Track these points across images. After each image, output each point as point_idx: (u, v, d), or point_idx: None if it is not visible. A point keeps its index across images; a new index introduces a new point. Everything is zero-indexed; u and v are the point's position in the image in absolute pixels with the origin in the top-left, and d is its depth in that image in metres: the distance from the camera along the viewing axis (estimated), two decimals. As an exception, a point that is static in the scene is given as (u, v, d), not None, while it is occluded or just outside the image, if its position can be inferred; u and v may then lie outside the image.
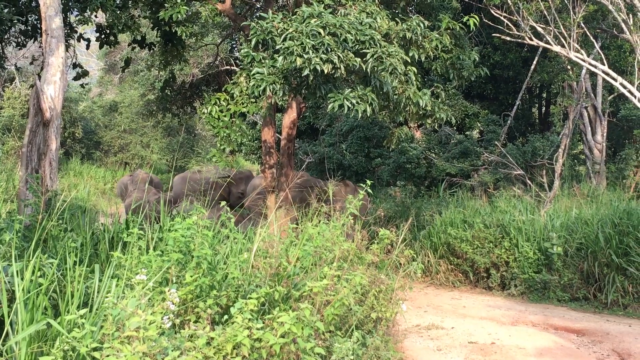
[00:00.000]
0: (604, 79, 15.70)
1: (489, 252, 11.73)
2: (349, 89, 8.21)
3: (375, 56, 8.03)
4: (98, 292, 5.14)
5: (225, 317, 5.04)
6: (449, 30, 10.17)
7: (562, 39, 13.27)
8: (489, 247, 11.76)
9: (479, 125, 22.08)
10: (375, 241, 8.33)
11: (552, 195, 15.21)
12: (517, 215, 12.50)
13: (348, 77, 8.69)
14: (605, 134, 19.54)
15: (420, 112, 9.86)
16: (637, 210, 11.20)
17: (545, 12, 13.76)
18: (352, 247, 7.55)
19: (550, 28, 13.54)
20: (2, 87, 29.87)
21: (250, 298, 4.90)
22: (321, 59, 7.71)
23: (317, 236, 7.42)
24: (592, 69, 13.41)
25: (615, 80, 12.69)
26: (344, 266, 6.94)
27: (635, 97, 12.25)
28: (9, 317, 4.56)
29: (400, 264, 9.02)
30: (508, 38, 14.27)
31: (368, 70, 8.09)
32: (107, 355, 4.03)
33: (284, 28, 8.08)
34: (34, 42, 13.86)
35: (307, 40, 7.72)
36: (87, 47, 14.21)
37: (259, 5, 15.24)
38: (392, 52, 8.14)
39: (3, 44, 13.37)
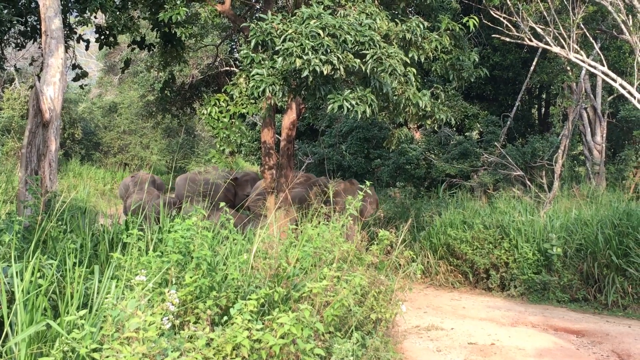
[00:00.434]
0: (603, 80, 15.71)
1: (488, 253, 11.73)
2: (349, 90, 8.21)
3: (374, 57, 8.03)
4: (97, 293, 5.14)
5: (225, 318, 5.04)
6: (448, 31, 10.17)
7: (562, 40, 13.27)
8: (489, 248, 11.76)
9: (478, 126, 22.07)
10: (374, 242, 8.34)
11: (552, 196, 15.22)
12: (516, 216, 12.51)
13: (347, 78, 8.69)
14: (604, 135, 19.56)
15: (420, 113, 9.86)
16: (636, 211, 11.20)
17: (544, 13, 13.77)
18: (352, 248, 7.55)
19: (550, 29, 13.54)
20: (1, 88, 29.89)
21: (249, 299, 4.91)
22: (320, 60, 7.71)
23: (316, 237, 7.42)
24: (592, 69, 13.41)
25: (615, 81, 12.69)
26: (344, 267, 6.94)
27: (634, 98, 12.25)
28: (8, 318, 4.56)
29: (399, 265, 9.03)
30: (507, 39, 14.27)
31: (367, 71, 8.10)
32: (107, 356, 4.03)
33: (284, 29, 8.08)
34: (33, 43, 13.87)
35: (307, 42, 7.72)
36: (87, 48, 14.21)
37: (258, 7, 15.25)
38: (391, 53, 8.14)
39: (2, 45, 13.37)
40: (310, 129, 25.11)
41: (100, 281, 5.29)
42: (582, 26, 14.49)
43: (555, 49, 13.35)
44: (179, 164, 34.48)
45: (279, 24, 8.22)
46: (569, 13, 13.67)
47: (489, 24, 14.74)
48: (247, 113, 9.99)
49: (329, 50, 7.76)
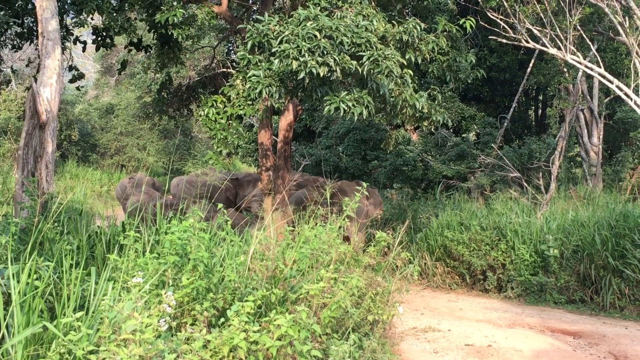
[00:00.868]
0: (600, 82, 15.73)
1: (485, 254, 11.73)
2: (345, 92, 8.22)
3: (371, 59, 8.04)
4: (94, 295, 5.13)
5: (222, 319, 5.03)
6: (445, 33, 10.18)
7: (559, 42, 13.29)
8: (486, 249, 11.76)
9: (475, 127, 22.09)
10: (372, 243, 8.34)
11: (549, 197, 15.23)
12: (513, 217, 12.51)
13: (344, 80, 8.69)
14: (601, 137, 19.59)
15: (417, 115, 9.86)
16: (633, 213, 11.21)
17: (541, 15, 13.80)
18: (349, 249, 7.55)
19: (547, 31, 13.57)
20: (-2, 89, 29.85)
21: (246, 301, 4.91)
22: (317, 61, 7.72)
23: (313, 239, 7.41)
24: (589, 71, 13.44)
25: (612, 82, 12.72)
26: (341, 269, 6.94)
27: (631, 99, 12.28)
28: (5, 320, 4.56)
29: (396, 266, 9.03)
30: (504, 40, 14.29)
31: (364, 73, 8.10)
32: (104, 358, 4.04)
33: (280, 31, 8.09)
34: (30, 45, 13.86)
35: (303, 43, 7.73)
36: (84, 49, 14.20)
37: (255, 8, 15.25)
38: (388, 54, 8.15)
39: (-1, 46, 13.38)
40: (307, 130, 25.11)
41: (97, 283, 5.28)
42: (579, 28, 14.51)
43: (552, 51, 13.37)
44: (175, 165, 34.47)
45: (275, 25, 8.22)
46: (565, 15, 13.69)
47: (486, 25, 14.77)
48: (244, 114, 9.99)
49: (325, 52, 7.77)
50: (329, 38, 7.92)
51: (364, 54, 8.07)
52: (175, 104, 22.05)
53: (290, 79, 8.42)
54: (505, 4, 13.52)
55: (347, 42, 7.99)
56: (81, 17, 11.69)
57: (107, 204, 22.76)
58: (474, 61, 10.85)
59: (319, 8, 8.57)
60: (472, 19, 10.15)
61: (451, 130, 22.08)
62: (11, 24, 11.76)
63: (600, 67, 13.17)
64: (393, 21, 9.54)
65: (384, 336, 7.15)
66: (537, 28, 13.95)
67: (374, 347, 6.43)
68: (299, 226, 8.41)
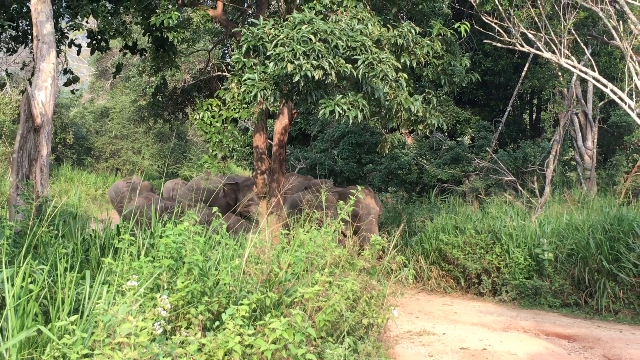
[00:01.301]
0: (594, 86, 15.76)
1: (480, 258, 11.74)
2: (340, 95, 8.22)
3: (366, 62, 8.05)
4: (89, 299, 5.13)
5: (217, 323, 5.03)
6: (440, 37, 10.20)
7: (553, 46, 13.31)
8: (480, 253, 11.77)
9: (470, 131, 22.13)
10: (366, 247, 8.34)
11: (543, 201, 15.25)
12: (508, 221, 12.52)
13: (339, 83, 8.70)
14: (595, 140, 19.61)
15: (412, 118, 9.87)
16: (627, 216, 11.24)
17: (536, 19, 13.82)
18: (344, 253, 7.56)
19: (541, 35, 13.58)
20: (-7, 92, 29.81)
21: (241, 304, 4.90)
22: (312, 65, 7.72)
23: (308, 242, 7.42)
24: (583, 75, 13.45)
25: (606, 86, 12.74)
26: (336, 272, 6.94)
27: (625, 103, 12.29)
28: (-1, 323, 4.55)
29: (391, 270, 9.04)
30: (499, 44, 14.31)
31: (359, 76, 8.11)
32: (98, 362, 4.03)
33: (275, 34, 8.10)
34: (25, 48, 13.84)
35: (298, 47, 7.73)
36: (78, 53, 14.18)
37: (250, 12, 15.25)
38: (383, 58, 8.16)
39: (-6, 49, 13.36)
40: (302, 134, 25.12)
41: (91, 286, 5.28)
42: (573, 32, 14.54)
43: (547, 55, 13.39)
44: (170, 169, 34.43)
45: (270, 29, 8.23)
46: (560, 19, 13.71)
47: (481, 29, 14.79)
48: (240, 118, 9.98)
49: (320, 56, 7.77)
50: (324, 41, 7.93)
51: (359, 57, 8.08)
52: (170, 108, 22.04)
53: (285, 82, 8.43)
54: (500, 8, 13.54)
55: (342, 46, 8.00)
56: (76, 20, 11.67)
57: (102, 207, 22.72)
58: (468, 65, 10.88)
59: (314, 11, 8.57)
60: (466, 23, 10.18)
61: (446, 133, 22.11)
62: (6, 27, 11.75)
63: (594, 71, 13.19)
64: (388, 25, 9.55)
65: (378, 340, 7.15)
66: (532, 32, 13.97)
67: (369, 350, 6.43)
68: (294, 230, 8.41)
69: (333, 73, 7.90)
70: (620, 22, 13.41)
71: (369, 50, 8.17)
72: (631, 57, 12.54)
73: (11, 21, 12.16)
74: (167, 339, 4.66)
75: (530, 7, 14.12)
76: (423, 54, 9.72)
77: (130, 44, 13.20)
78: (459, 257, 11.90)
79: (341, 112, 8.04)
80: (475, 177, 18.71)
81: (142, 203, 13.82)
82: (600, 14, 13.03)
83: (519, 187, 17.35)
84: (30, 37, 12.60)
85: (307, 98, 8.44)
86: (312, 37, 7.85)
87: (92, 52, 13.71)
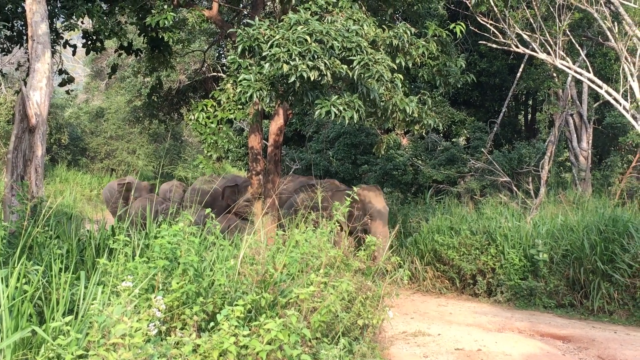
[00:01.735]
0: (589, 87, 15.79)
1: (475, 258, 11.75)
2: (336, 96, 8.22)
3: (361, 63, 8.05)
4: (84, 299, 5.12)
5: (212, 324, 5.02)
6: (435, 38, 10.21)
7: (548, 47, 13.34)
8: (476, 253, 11.78)
9: (465, 132, 22.15)
10: (362, 248, 8.34)
11: (538, 202, 15.27)
12: (503, 222, 12.54)
13: (335, 84, 8.70)
14: (590, 141, 19.64)
15: (407, 119, 9.87)
16: (622, 217, 11.26)
17: (531, 20, 13.84)
18: (339, 253, 7.55)
19: (536, 36, 13.61)
20: (-13, 93, 29.74)
21: (236, 305, 4.89)
22: (307, 65, 7.72)
23: (303, 243, 7.41)
24: (578, 76, 13.48)
25: (601, 87, 12.76)
26: (331, 273, 6.94)
27: (620, 104, 12.32)
28: (-7, 324, 4.54)
29: (387, 270, 9.03)
30: (494, 45, 14.33)
31: (355, 77, 8.11)
32: (93, 363, 4.02)
33: (271, 35, 8.09)
34: (19, 48, 13.81)
35: (294, 47, 7.73)
36: (74, 53, 14.16)
37: (246, 12, 15.25)
38: (378, 59, 8.16)
39: (-12, 50, 13.33)
40: (298, 134, 25.12)
41: (86, 287, 5.26)
42: (568, 33, 14.56)
43: (542, 56, 13.41)
44: (165, 169, 34.39)
45: (266, 29, 8.22)
46: (555, 20, 13.74)
47: (476, 30, 14.80)
48: (235, 118, 9.97)
49: (316, 56, 7.77)
50: (320, 42, 7.92)
51: (354, 58, 8.08)
52: (165, 108, 21.96)
53: (281, 82, 8.42)
54: (495, 9, 13.55)
55: (338, 47, 8.00)
56: (71, 20, 11.64)
57: (97, 207, 22.70)
58: (463, 66, 10.89)
59: (309, 12, 8.57)
60: (462, 23, 10.19)
61: (441, 134, 22.12)
62: (1, 27, 11.72)
63: (589, 72, 13.22)
64: (383, 26, 9.56)
65: (374, 340, 7.15)
66: (527, 33, 13.99)
67: (364, 351, 6.43)
68: (289, 230, 8.40)
69: (329, 74, 7.90)
70: (615, 24, 13.43)
71: (365, 51, 8.18)
72: (626, 59, 12.57)
73: (6, 21, 12.13)
74: (161, 340, 4.65)
75: (525, 8, 14.13)
76: (418, 54, 9.73)
77: (125, 44, 13.18)
78: (454, 258, 11.91)
79: (337, 112, 8.04)
80: (471, 178, 18.73)
81: (144, 204, 13.81)
82: (595, 15, 13.06)
83: (514, 188, 17.37)
84: (25, 37, 12.58)
85: (302, 99, 8.44)
86: (307, 37, 7.85)
87: (87, 53, 13.69)
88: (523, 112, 27.89)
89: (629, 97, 12.39)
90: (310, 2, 8.92)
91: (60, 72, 14.05)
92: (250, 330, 4.81)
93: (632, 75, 12.45)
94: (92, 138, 35.82)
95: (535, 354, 7.92)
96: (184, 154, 36.64)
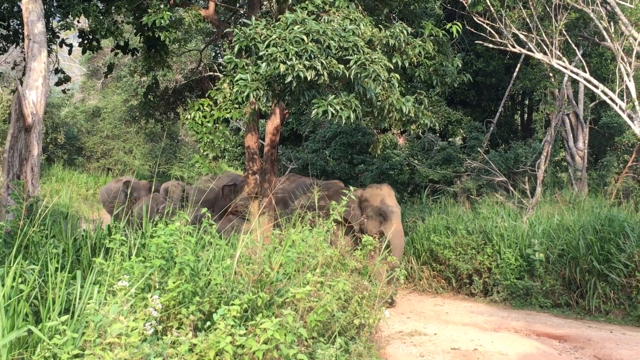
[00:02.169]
0: (585, 87, 15.80)
1: (471, 258, 11.76)
2: (333, 96, 8.21)
3: (358, 63, 8.04)
4: (80, 299, 5.11)
5: (208, 323, 5.02)
6: (432, 37, 10.21)
7: (545, 47, 13.36)
8: (472, 253, 11.80)
9: (461, 131, 22.14)
10: (358, 247, 8.34)
11: (534, 201, 15.29)
12: (499, 221, 12.55)
13: (331, 84, 8.69)
14: (586, 141, 19.66)
15: (404, 119, 9.87)
16: (618, 217, 11.28)
17: (527, 20, 13.86)
18: (335, 253, 7.55)
19: (533, 35, 13.63)
20: (-17, 92, 29.70)
21: (233, 304, 4.89)
22: (304, 65, 7.72)
23: (300, 242, 7.41)
24: (574, 76, 13.52)
25: (597, 87, 12.79)
26: (327, 272, 6.94)
27: (616, 104, 12.35)
28: (-11, 323, 4.53)
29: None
30: (491, 45, 14.36)
31: (351, 76, 8.10)
32: (89, 362, 4.02)
33: (267, 34, 8.08)
34: (15, 47, 13.78)
35: (290, 47, 7.72)
36: (70, 52, 14.12)
37: (242, 12, 15.23)
38: (375, 58, 8.16)
39: (-16, 49, 13.30)
40: (294, 134, 25.10)
41: (82, 286, 5.26)
42: (565, 33, 14.59)
43: (538, 56, 13.43)
44: (161, 169, 34.36)
45: (262, 29, 8.21)
46: (551, 20, 13.76)
47: (473, 30, 14.83)
48: (231, 118, 9.96)
49: (312, 56, 7.76)
50: (316, 42, 7.92)
51: (351, 57, 8.08)
52: (161, 108, 21.98)
53: (278, 82, 8.41)
54: (492, 8, 13.58)
55: (335, 46, 7.99)
56: (67, 19, 11.63)
57: (93, 207, 22.68)
58: (460, 65, 10.89)
59: (306, 12, 8.56)
60: (458, 23, 10.19)
61: (438, 134, 22.12)
62: (-3, 26, 11.71)
63: (585, 72, 13.24)
64: (380, 25, 9.55)
65: (370, 340, 7.15)
66: (523, 33, 14.02)
67: (360, 350, 6.43)
68: (285, 230, 8.40)
69: (325, 73, 7.89)
70: (612, 24, 13.47)
71: (361, 51, 8.17)
72: (622, 59, 12.60)
73: (2, 20, 12.11)
74: (158, 339, 4.65)
75: (521, 8, 14.17)
76: (415, 54, 9.72)
77: (121, 43, 13.15)
78: (450, 258, 11.92)
79: (334, 112, 8.03)
80: (467, 178, 18.73)
81: (148, 204, 13.80)
82: (592, 15, 13.09)
83: (511, 188, 17.38)
84: (21, 36, 12.55)
85: (299, 98, 8.44)
86: (304, 37, 7.84)
87: (83, 52, 13.65)
88: (519, 112, 27.89)
89: (625, 97, 12.42)
90: (306, 2, 8.91)
91: (57, 71, 14.01)
92: (246, 329, 4.81)
93: (628, 75, 12.47)
94: (88, 137, 35.79)
95: (531, 354, 7.92)
96: (180, 153, 36.65)
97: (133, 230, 7.57)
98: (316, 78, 7.90)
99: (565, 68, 13.34)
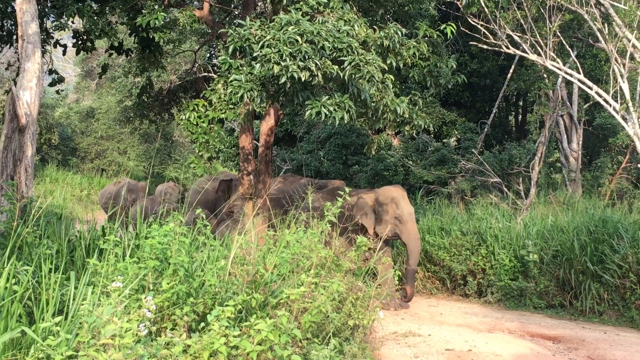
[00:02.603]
0: (579, 88, 15.85)
1: (465, 259, 11.77)
2: (327, 97, 8.20)
3: (352, 64, 8.04)
4: (73, 300, 5.11)
5: (202, 324, 5.02)
6: (426, 38, 10.22)
7: (539, 48, 13.38)
8: (466, 254, 11.80)
9: (456, 132, 22.16)
10: (352, 248, 8.34)
11: (529, 202, 15.30)
12: (493, 222, 12.56)
13: (326, 85, 8.69)
14: (580, 142, 19.70)
15: (398, 120, 9.87)
16: (612, 218, 11.30)
17: (521, 21, 13.89)
18: (330, 254, 7.55)
19: (527, 37, 13.65)
20: (-23, 92, 29.61)
21: (227, 305, 4.89)
22: (298, 66, 7.71)
23: (294, 243, 7.41)
24: (568, 77, 13.53)
25: (591, 88, 12.81)
26: (322, 273, 6.94)
27: (610, 105, 12.37)
28: (-18, 325, 4.52)
29: (377, 271, 9.01)
30: (485, 46, 14.38)
31: (345, 77, 8.10)
32: (83, 363, 4.01)
33: (262, 35, 8.07)
34: (9, 48, 13.76)
35: (285, 48, 7.72)
36: (64, 53, 14.11)
37: (237, 13, 15.22)
38: (369, 59, 8.16)
39: (-22, 49, 13.28)
40: (288, 135, 25.09)
41: (76, 287, 5.25)
42: (559, 34, 14.61)
43: (532, 57, 13.45)
44: (156, 169, 34.33)
45: (257, 30, 8.21)
46: (545, 21, 13.79)
47: (467, 31, 14.84)
48: (226, 118, 9.96)
49: (307, 57, 7.76)
50: (311, 43, 7.91)
51: (345, 58, 8.07)
52: (156, 108, 21.92)
53: (272, 83, 8.41)
54: (486, 10, 13.59)
55: (329, 47, 7.99)
56: (61, 20, 11.61)
57: (87, 208, 22.64)
58: (454, 67, 10.90)
59: (300, 13, 8.56)
60: (452, 24, 10.20)
61: (432, 135, 22.13)
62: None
63: (579, 73, 13.26)
64: (374, 26, 9.56)
65: (364, 341, 7.15)
66: (518, 34, 14.04)
67: (355, 351, 6.43)
68: (280, 230, 8.40)
69: (319, 74, 7.89)
70: (606, 25, 13.49)
71: (356, 52, 8.17)
72: (616, 60, 12.62)
73: (-4, 21, 12.11)
74: (152, 340, 4.65)
75: (516, 9, 14.19)
76: (409, 55, 9.73)
77: (116, 44, 13.14)
78: (444, 259, 11.93)
79: (327, 113, 8.02)
80: (461, 179, 18.75)
81: (146, 205, 13.77)
82: (586, 16, 13.12)
83: (505, 189, 17.40)
84: (15, 36, 12.54)
85: (293, 99, 8.43)
86: (298, 38, 7.84)
87: (77, 53, 13.65)
88: (514, 113, 27.95)
89: (619, 98, 12.44)
90: (301, 3, 8.91)
91: (51, 71, 14.00)
92: (240, 330, 4.81)
93: (622, 76, 12.50)
94: (82, 138, 35.74)
95: (525, 355, 7.93)
96: (175, 154, 36.61)
97: (127, 231, 7.55)
98: (310, 79, 7.90)
99: (560, 69, 13.37)
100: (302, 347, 5.53)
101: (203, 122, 9.94)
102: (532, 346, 8.34)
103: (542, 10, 14.04)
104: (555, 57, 13.70)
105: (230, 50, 8.31)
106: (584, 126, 20.66)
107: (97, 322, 4.26)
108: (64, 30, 11.78)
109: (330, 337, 6.14)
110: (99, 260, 6.06)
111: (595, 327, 9.73)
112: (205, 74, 21.18)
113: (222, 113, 9.82)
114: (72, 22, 12.34)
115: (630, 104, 12.07)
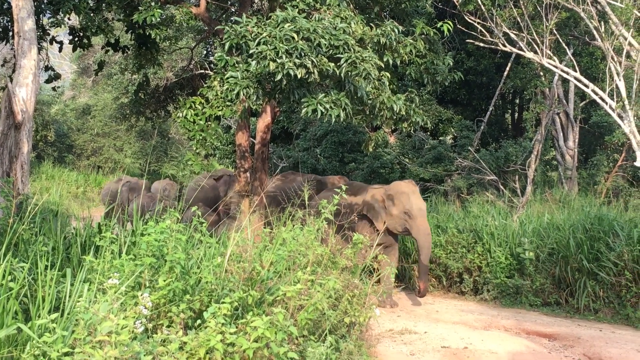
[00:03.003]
0: (576, 86, 15.86)
1: (462, 257, 11.77)
2: (323, 94, 8.20)
3: (349, 61, 8.05)
4: (70, 297, 5.10)
5: (199, 321, 5.01)
6: (423, 36, 10.22)
7: (535, 46, 13.38)
8: (462, 252, 11.80)
9: (452, 130, 22.17)
10: (349, 246, 8.34)
11: (525, 200, 15.32)
12: (490, 220, 12.56)
13: (322, 82, 8.69)
14: (577, 140, 19.73)
15: (395, 117, 9.88)
16: (607, 216, 11.30)
17: (518, 19, 13.89)
18: (326, 251, 7.55)
19: (524, 35, 13.65)
20: (-27, 89, 29.54)
21: (223, 302, 4.89)
22: (295, 63, 7.71)
23: (290, 241, 7.40)
24: (565, 75, 13.54)
25: (587, 86, 12.82)
26: (318, 271, 6.93)
27: (606, 103, 12.38)
28: (-22, 321, 4.52)
29: (374, 268, 9.00)
30: (482, 44, 14.38)
31: (342, 75, 8.10)
32: (79, 360, 4.00)
33: (258, 32, 8.07)
34: (5, 44, 13.74)
35: (281, 45, 7.72)
36: (60, 49, 14.09)
37: (233, 10, 15.22)
38: (366, 57, 8.16)
39: (-26, 46, 13.26)
40: (285, 132, 25.10)
41: (72, 284, 5.25)
42: (555, 32, 14.62)
43: (529, 55, 13.46)
44: (152, 167, 34.31)
45: (253, 27, 8.20)
46: (542, 19, 13.79)
47: (463, 29, 14.85)
48: (223, 116, 9.96)
49: (303, 54, 7.76)
50: (307, 40, 7.92)
51: (341, 56, 8.08)
52: (152, 105, 21.90)
53: (268, 80, 8.41)
54: (483, 7, 13.60)
55: (325, 44, 7.99)
56: (58, 17, 11.59)
57: (83, 205, 22.60)
58: (451, 64, 10.91)
59: (297, 10, 8.56)
60: (449, 22, 10.21)
61: (428, 133, 22.14)
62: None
63: (576, 71, 13.27)
64: (371, 24, 9.56)
65: (360, 338, 7.15)
66: (514, 32, 14.04)
67: (351, 349, 6.43)
68: (276, 227, 8.39)
69: (316, 71, 7.89)
70: (602, 23, 13.51)
71: (352, 49, 8.17)
72: (612, 58, 12.63)
73: (-8, 17, 12.08)
74: (148, 338, 4.64)
75: (512, 7, 14.19)
76: (406, 52, 9.74)
77: (112, 41, 13.14)
78: (440, 256, 11.93)
79: (323, 110, 8.03)
80: (458, 177, 18.76)
81: (146, 202, 13.76)
82: (582, 14, 13.12)
83: (501, 187, 17.41)
84: (11, 33, 12.52)
85: (289, 96, 8.43)
86: (295, 35, 7.84)
87: (73, 49, 13.64)
88: (510, 111, 27.97)
89: (615, 96, 12.45)
90: (297, 0, 8.92)
91: (47, 68, 13.99)
92: (237, 327, 4.81)
93: (618, 74, 12.51)
94: (78, 135, 35.70)
95: (521, 352, 7.94)
96: (171, 151, 36.58)
97: (124, 228, 7.55)
98: (306, 76, 7.90)
99: (556, 67, 13.37)
100: (299, 345, 5.53)
101: (200, 119, 9.93)
102: (528, 344, 8.35)
103: (539, 8, 14.04)
104: (551, 55, 13.71)
105: (226, 47, 8.31)
106: (580, 124, 20.70)
107: (93, 319, 4.26)
108: (60, 27, 11.77)
109: (326, 335, 6.14)
110: (95, 257, 6.06)
111: (590, 324, 9.74)
112: (202, 71, 21.18)
113: (219, 110, 9.82)
114: (69, 19, 12.32)
115: (626, 102, 12.08)
